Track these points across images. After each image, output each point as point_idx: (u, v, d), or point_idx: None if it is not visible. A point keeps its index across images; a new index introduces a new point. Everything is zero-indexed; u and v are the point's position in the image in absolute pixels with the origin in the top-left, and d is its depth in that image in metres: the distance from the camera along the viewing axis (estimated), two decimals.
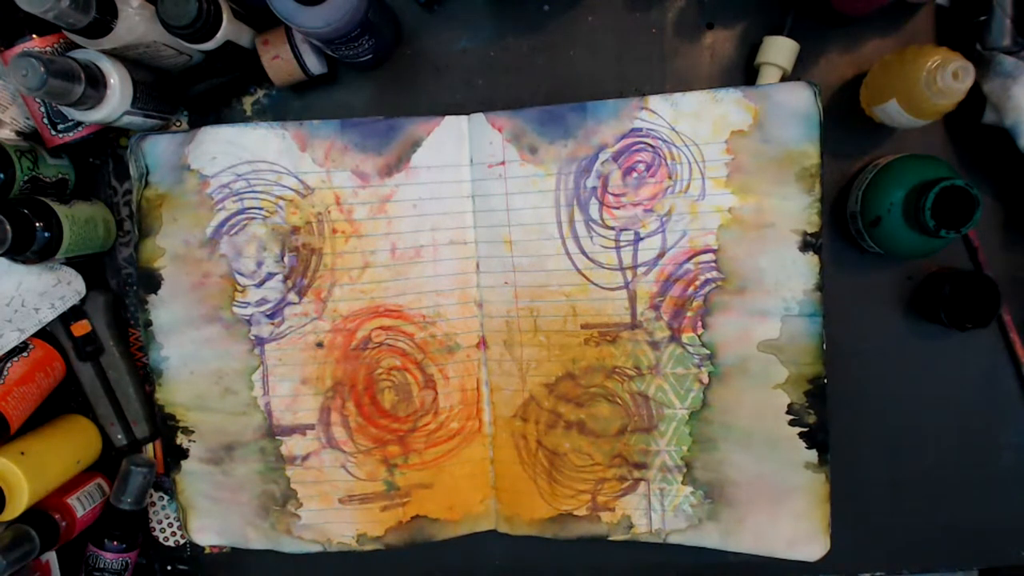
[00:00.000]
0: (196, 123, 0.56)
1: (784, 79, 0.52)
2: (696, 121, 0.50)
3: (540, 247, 0.53)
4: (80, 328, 0.55)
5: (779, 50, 0.51)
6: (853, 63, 0.53)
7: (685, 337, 0.52)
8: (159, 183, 0.53)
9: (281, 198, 0.53)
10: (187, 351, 0.54)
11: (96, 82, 0.47)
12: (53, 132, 0.52)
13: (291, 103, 0.56)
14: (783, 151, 0.50)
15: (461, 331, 0.54)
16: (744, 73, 0.54)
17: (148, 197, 0.53)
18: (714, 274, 0.51)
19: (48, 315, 0.53)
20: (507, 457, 0.55)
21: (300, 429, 0.55)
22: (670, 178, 0.51)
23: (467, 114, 0.53)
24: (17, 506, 0.49)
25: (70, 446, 0.54)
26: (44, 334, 0.54)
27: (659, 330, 0.52)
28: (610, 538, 0.55)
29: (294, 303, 0.54)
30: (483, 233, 0.53)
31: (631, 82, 0.54)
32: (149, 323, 0.54)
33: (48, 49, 0.49)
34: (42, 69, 0.42)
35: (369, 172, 0.53)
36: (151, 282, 0.54)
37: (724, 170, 0.50)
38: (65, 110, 0.50)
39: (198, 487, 0.55)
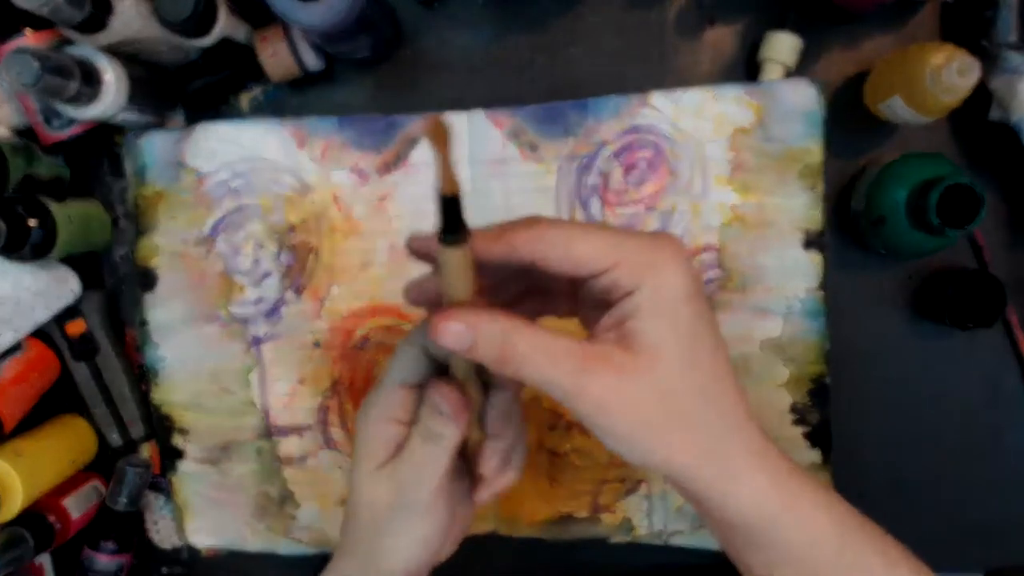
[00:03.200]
0: (193, 120, 0.56)
1: (787, 76, 0.52)
2: (698, 118, 0.50)
3: None
4: (75, 327, 0.54)
5: (781, 46, 0.51)
6: (856, 60, 0.53)
7: None
8: (155, 180, 0.53)
9: (279, 196, 0.52)
10: (183, 350, 0.54)
11: (91, 79, 0.46)
12: (48, 129, 0.51)
13: (289, 100, 0.56)
14: (786, 149, 0.49)
15: None
16: (746, 70, 0.53)
17: (144, 195, 0.53)
18: (716, 272, 0.50)
19: (43, 314, 0.52)
20: None
21: (297, 429, 0.54)
22: (672, 175, 0.50)
23: (467, 111, 0.52)
24: (11, 508, 0.49)
25: (65, 447, 0.54)
26: (39, 333, 0.54)
27: None
28: (611, 540, 0.54)
29: (291, 302, 0.53)
30: None
31: (632, 79, 0.54)
32: (145, 322, 0.53)
33: (43, 45, 0.48)
34: (36, 65, 0.42)
35: (367, 170, 0.52)
36: (147, 280, 0.53)
37: (726, 167, 0.50)
38: (60, 107, 0.49)
39: (194, 488, 0.55)
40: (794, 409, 0.51)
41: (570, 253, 0.28)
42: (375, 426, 0.33)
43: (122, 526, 0.54)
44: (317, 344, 0.54)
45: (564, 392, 0.28)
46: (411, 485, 0.33)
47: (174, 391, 0.54)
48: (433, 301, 0.32)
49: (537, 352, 0.28)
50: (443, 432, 0.32)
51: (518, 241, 0.28)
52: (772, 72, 0.51)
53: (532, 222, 0.29)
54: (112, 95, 0.48)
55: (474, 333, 0.28)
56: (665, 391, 0.28)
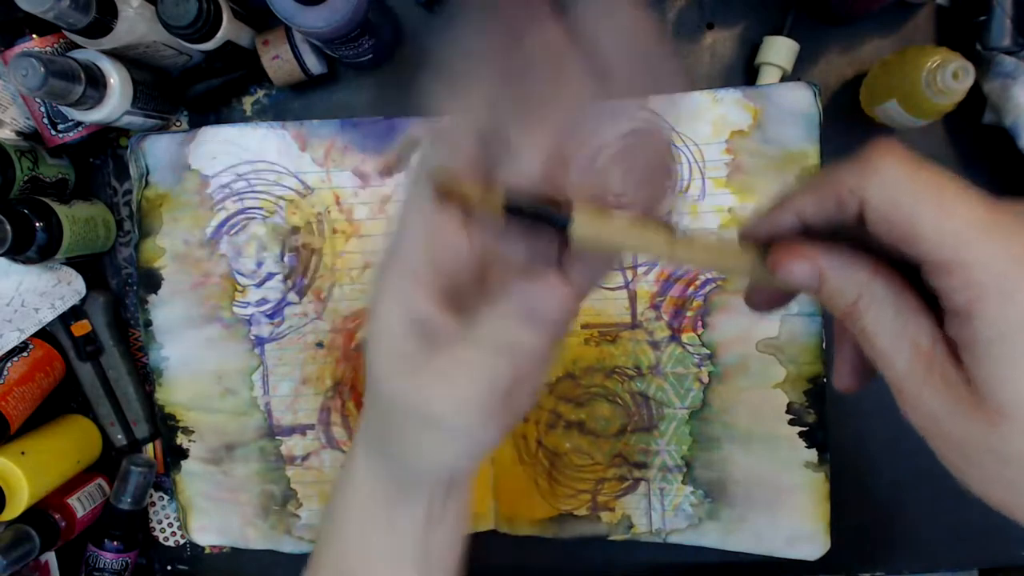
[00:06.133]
0: (196, 123, 0.56)
1: (784, 79, 0.52)
2: (696, 121, 0.50)
3: None
4: (80, 328, 0.55)
5: (779, 50, 0.51)
6: (853, 63, 0.53)
7: (685, 337, 0.52)
8: (159, 183, 0.53)
9: (281, 198, 0.53)
10: (187, 351, 0.54)
11: (96, 82, 0.47)
12: (53, 132, 0.52)
13: (291, 103, 0.56)
14: (783, 151, 0.50)
15: None
16: (744, 73, 0.54)
17: (148, 197, 0.53)
18: (714, 274, 0.51)
19: (48, 315, 0.53)
20: (507, 457, 0.55)
21: (300, 429, 0.55)
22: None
23: None
24: (17, 506, 0.49)
25: (70, 446, 0.54)
26: (44, 334, 0.54)
27: (659, 330, 0.52)
28: (610, 538, 0.55)
29: (294, 303, 0.54)
30: None
31: None
32: (149, 323, 0.54)
33: (48, 49, 0.49)
34: (42, 69, 0.42)
35: (369, 172, 0.53)
36: (151, 282, 0.54)
37: (724, 170, 0.50)
38: (65, 110, 0.50)
39: (198, 487, 0.55)
40: (790, 409, 0.51)
41: (907, 223, 0.21)
42: (428, 293, 0.25)
43: (127, 524, 0.55)
44: (320, 345, 0.54)
45: (894, 387, 0.23)
46: (475, 392, 0.25)
47: (178, 391, 0.55)
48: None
49: (884, 335, 0.23)
50: (525, 340, 0.24)
51: (840, 187, 0.22)
52: (770, 76, 0.52)
53: (861, 156, 0.22)
54: (117, 98, 0.48)
55: (822, 278, 0.24)
56: (1013, 456, 0.22)
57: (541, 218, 0.24)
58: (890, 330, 0.23)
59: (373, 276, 0.25)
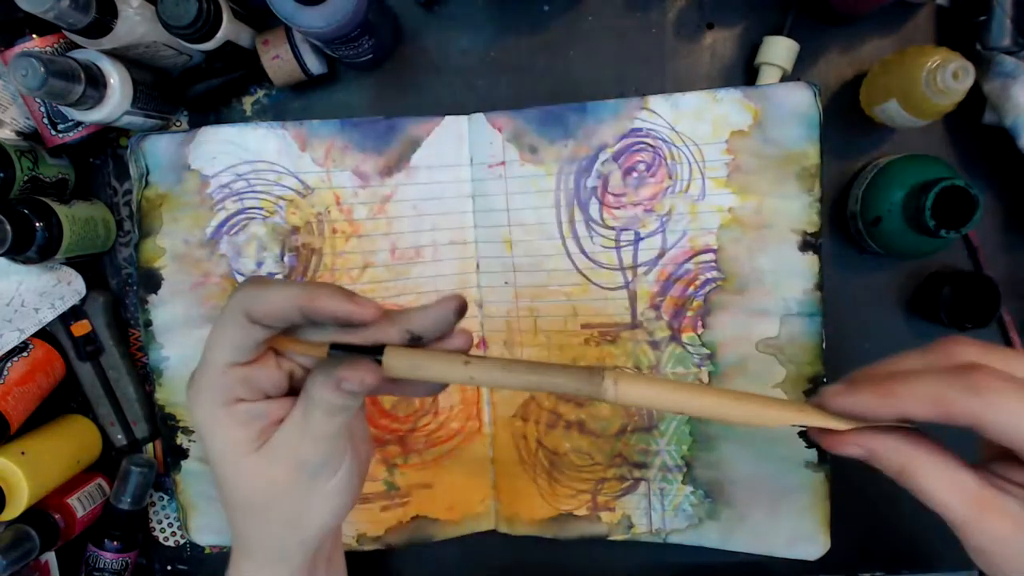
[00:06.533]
0: (196, 123, 0.56)
1: (784, 79, 0.52)
2: (696, 121, 0.50)
3: (540, 247, 0.53)
4: (80, 328, 0.55)
5: (779, 50, 0.51)
6: (853, 63, 0.53)
7: (685, 337, 0.52)
8: (159, 183, 0.53)
9: (281, 198, 0.53)
10: (187, 351, 0.54)
11: (96, 82, 0.47)
12: (53, 132, 0.52)
13: (291, 103, 0.56)
14: (783, 151, 0.50)
15: None
16: (744, 73, 0.54)
17: (148, 197, 0.53)
18: (714, 274, 0.51)
19: (48, 315, 0.53)
20: (507, 457, 0.55)
21: None
22: (670, 178, 0.51)
23: (467, 114, 0.53)
24: (17, 506, 0.49)
25: (70, 446, 0.54)
26: (44, 334, 0.54)
27: (659, 330, 0.52)
28: (610, 538, 0.55)
29: None
30: (483, 233, 0.53)
31: (631, 82, 0.54)
32: (149, 323, 0.54)
33: (48, 49, 0.49)
34: (42, 69, 0.42)
35: (369, 172, 0.53)
36: (151, 282, 0.54)
37: (724, 170, 0.50)
38: (65, 110, 0.50)
39: (198, 487, 0.55)
40: None
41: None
42: (225, 412, 0.31)
43: (126, 524, 0.55)
44: None
45: (953, 523, 0.28)
46: (315, 453, 0.31)
47: (178, 391, 0.54)
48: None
49: (935, 489, 0.29)
50: (350, 404, 0.31)
51: (955, 408, 0.27)
52: (769, 76, 0.52)
53: (970, 380, 0.27)
54: (117, 98, 0.48)
55: (873, 454, 0.30)
56: None
57: (358, 351, 0.31)
58: (940, 482, 0.28)
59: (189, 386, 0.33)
